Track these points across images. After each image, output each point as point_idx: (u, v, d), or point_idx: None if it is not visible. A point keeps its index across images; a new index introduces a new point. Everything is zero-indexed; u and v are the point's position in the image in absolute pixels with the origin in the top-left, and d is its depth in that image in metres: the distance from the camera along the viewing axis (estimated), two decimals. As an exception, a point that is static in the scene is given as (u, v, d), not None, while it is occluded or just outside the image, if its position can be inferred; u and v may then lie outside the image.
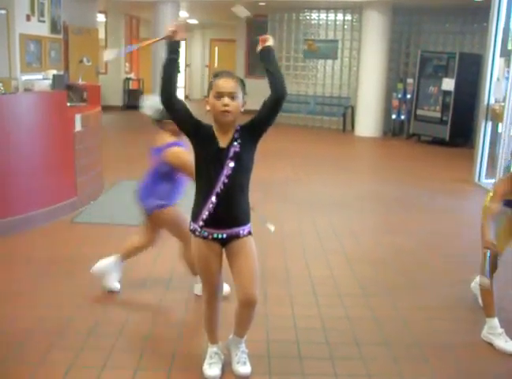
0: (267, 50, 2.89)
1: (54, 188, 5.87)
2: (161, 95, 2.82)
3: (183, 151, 3.70)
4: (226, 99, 2.73)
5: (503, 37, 8.65)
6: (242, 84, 2.84)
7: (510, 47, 8.85)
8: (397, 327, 3.87)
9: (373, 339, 3.68)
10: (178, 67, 2.86)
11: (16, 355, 3.26)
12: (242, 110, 2.84)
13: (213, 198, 2.81)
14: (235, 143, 2.81)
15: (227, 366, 3.17)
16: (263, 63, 2.90)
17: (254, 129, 2.87)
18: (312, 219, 6.39)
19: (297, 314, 3.94)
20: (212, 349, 3.16)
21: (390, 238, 5.50)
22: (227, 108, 2.74)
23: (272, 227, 3.21)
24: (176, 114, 2.86)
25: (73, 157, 6.16)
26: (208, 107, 2.82)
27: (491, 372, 3.37)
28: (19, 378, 3.01)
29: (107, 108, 14.89)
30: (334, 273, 4.76)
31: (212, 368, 3.09)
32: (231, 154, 2.80)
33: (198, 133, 2.85)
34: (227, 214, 2.85)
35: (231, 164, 2.79)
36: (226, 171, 2.79)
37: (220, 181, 2.79)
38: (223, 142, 2.83)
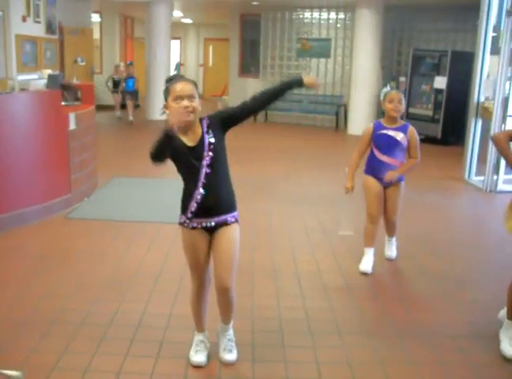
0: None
1: (48, 185, 6.00)
2: (153, 159, 2.85)
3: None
4: (186, 101, 2.87)
5: (495, 35, 8.68)
6: (195, 85, 2.98)
7: (500, 45, 8.88)
8: (378, 317, 4.01)
9: (355, 329, 3.82)
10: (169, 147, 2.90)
11: (11, 343, 3.41)
12: (200, 108, 2.96)
13: (200, 189, 2.97)
14: (209, 134, 2.98)
15: (214, 353, 3.31)
16: (284, 91, 3.08)
17: (224, 122, 3.03)
18: (301, 215, 6.52)
19: (282, 305, 4.08)
20: (198, 337, 3.30)
21: (378, 234, 5.64)
22: (188, 109, 2.88)
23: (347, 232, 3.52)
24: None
25: (68, 155, 6.28)
26: (167, 111, 2.94)
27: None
28: (14, 364, 3.13)
29: (102, 107, 15.02)
30: (320, 267, 4.90)
31: (198, 355, 3.23)
32: (206, 146, 2.96)
33: (174, 152, 2.93)
34: (214, 202, 3.01)
35: (210, 154, 2.96)
36: (205, 162, 2.96)
37: (202, 172, 2.96)
38: (192, 140, 2.98)
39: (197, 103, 2.92)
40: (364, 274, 4.72)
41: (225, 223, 3.07)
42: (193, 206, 3.00)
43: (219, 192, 3.02)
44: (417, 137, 4.65)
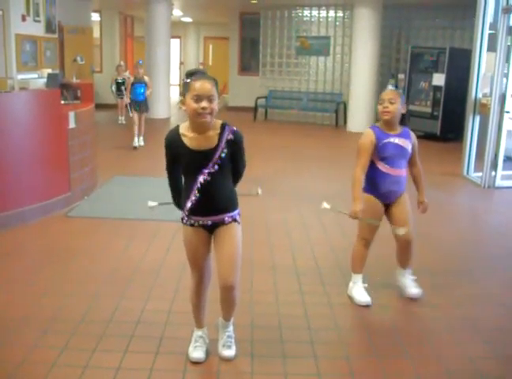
0: None
1: (48, 183, 6.03)
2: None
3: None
4: (205, 103, 2.84)
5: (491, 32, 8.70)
6: (216, 84, 2.95)
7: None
8: (375, 313, 4.03)
9: (352, 324, 3.86)
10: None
11: (12, 339, 3.44)
12: (217, 109, 2.95)
13: (195, 192, 2.99)
14: (224, 149, 2.95)
15: (213, 349, 3.34)
16: None
17: (232, 151, 3.00)
18: (300, 211, 6.55)
19: (281, 301, 4.11)
20: (197, 333, 3.32)
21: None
22: (206, 111, 2.85)
23: (259, 191, 3.44)
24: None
25: (67, 153, 6.31)
26: (183, 107, 2.94)
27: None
28: (14, 360, 3.18)
29: (102, 106, 15.00)
30: (319, 263, 4.93)
31: (196, 351, 3.26)
32: (215, 158, 2.94)
33: (176, 156, 3.03)
34: (208, 205, 3.03)
35: (216, 167, 2.95)
36: (208, 170, 2.95)
37: (200, 178, 2.96)
38: (203, 143, 2.94)
39: (215, 104, 2.88)
40: (367, 306, 4.07)
41: (223, 223, 3.08)
42: (188, 204, 3.04)
43: (215, 195, 3.02)
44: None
